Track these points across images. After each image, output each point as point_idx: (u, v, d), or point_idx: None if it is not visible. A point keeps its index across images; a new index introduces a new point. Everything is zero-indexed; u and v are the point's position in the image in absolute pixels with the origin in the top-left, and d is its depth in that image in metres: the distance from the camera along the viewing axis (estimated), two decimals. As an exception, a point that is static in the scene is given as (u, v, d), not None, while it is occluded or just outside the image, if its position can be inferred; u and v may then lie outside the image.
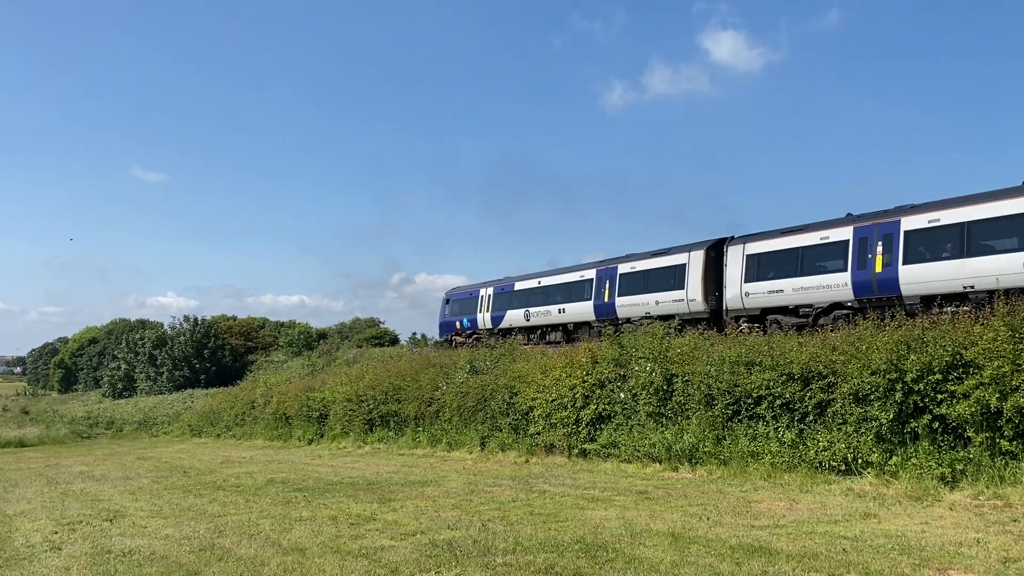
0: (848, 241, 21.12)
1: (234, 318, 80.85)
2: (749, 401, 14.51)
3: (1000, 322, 12.12)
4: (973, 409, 11.40)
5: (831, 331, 15.38)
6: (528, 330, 33.99)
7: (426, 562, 8.28)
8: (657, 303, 26.92)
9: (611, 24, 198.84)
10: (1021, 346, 11.55)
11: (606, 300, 29.42)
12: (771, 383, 14.07)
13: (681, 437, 15.25)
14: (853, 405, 12.85)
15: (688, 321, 24.32)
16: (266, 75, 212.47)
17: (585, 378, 18.02)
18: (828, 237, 21.72)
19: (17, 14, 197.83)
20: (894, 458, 12.17)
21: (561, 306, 31.88)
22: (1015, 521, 9.38)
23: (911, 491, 11.25)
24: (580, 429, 17.62)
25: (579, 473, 15.61)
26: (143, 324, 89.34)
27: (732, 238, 25.24)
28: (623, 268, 29.07)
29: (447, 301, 41.77)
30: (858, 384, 12.75)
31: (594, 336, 27.18)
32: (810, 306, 21.96)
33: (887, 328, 13.72)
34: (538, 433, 18.63)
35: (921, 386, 12.10)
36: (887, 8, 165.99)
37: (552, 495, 12.78)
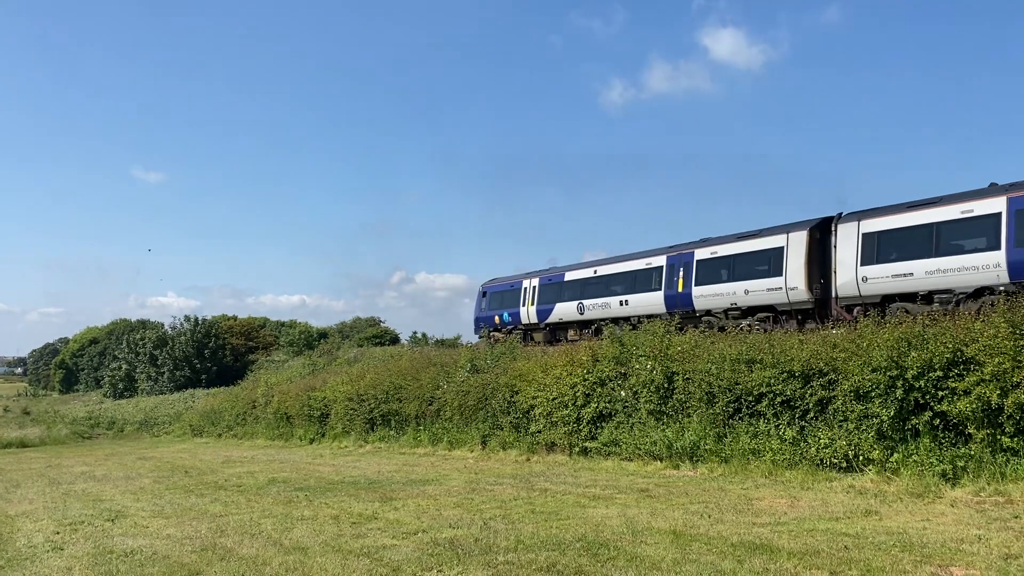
0: (1000, 214, 17.84)
1: (235, 318, 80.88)
2: (750, 399, 14.52)
3: (1001, 319, 12.12)
4: (974, 406, 11.39)
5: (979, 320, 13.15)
6: (582, 324, 30.96)
7: (428, 561, 8.28)
8: (747, 292, 23.88)
9: (610, 22, 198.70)
10: (1022, 343, 11.54)
11: (680, 290, 26.30)
12: (772, 380, 14.07)
13: (682, 435, 15.26)
14: (854, 402, 12.86)
15: (785, 313, 22.36)
16: (265, 74, 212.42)
17: (586, 376, 18.03)
18: (972, 211, 18.52)
19: (17, 14, 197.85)
20: (895, 455, 12.18)
21: (623, 298, 28.72)
22: (1016, 518, 9.38)
23: (912, 488, 11.26)
24: (581, 427, 17.63)
25: (580, 471, 15.62)
26: (144, 324, 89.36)
27: (841, 215, 21.96)
28: (701, 253, 25.83)
29: (483, 294, 38.55)
30: (859, 381, 12.75)
31: None
32: (949, 291, 18.92)
33: (887, 325, 13.72)
34: (539, 431, 18.64)
35: (922, 383, 12.10)
36: (887, 3, 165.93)
37: (553, 493, 12.79)
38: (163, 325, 76.73)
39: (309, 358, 45.73)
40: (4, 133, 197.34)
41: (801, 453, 13.33)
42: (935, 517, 9.64)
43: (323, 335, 67.37)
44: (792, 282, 22.60)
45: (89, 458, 27.58)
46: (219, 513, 12.21)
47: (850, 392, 12.91)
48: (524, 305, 34.72)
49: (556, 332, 32.72)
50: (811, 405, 13.57)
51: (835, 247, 21.73)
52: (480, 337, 37.31)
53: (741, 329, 21.12)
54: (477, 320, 38.70)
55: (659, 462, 15.35)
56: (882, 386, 12.43)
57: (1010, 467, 11.06)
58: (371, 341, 54.73)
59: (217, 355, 66.59)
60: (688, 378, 15.80)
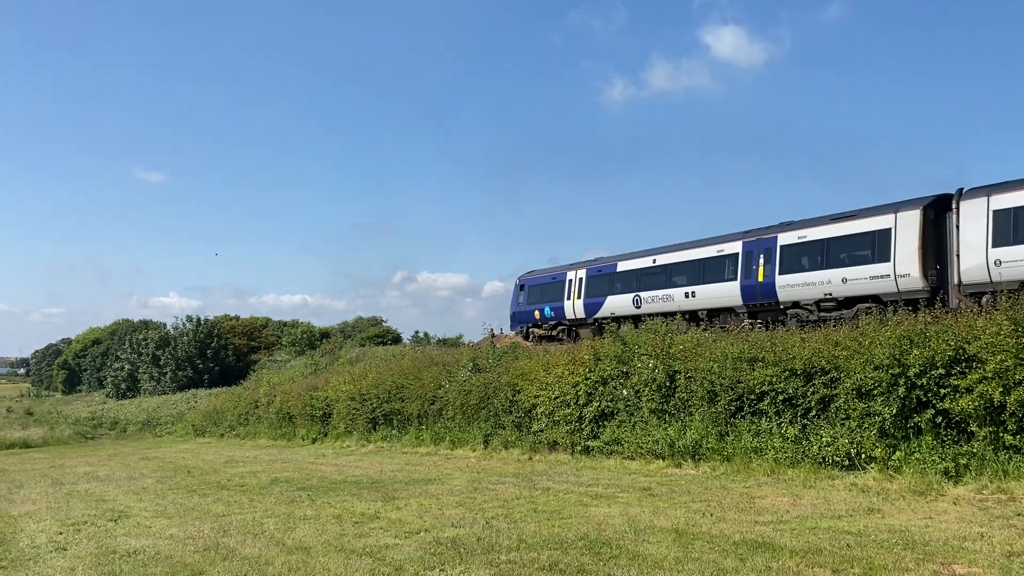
0: None
1: (237, 318, 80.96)
2: (752, 397, 14.51)
3: (1003, 316, 12.11)
4: (976, 403, 11.38)
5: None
6: (638, 319, 27.38)
7: (430, 560, 8.29)
8: (845, 281, 21.44)
9: (610, 19, 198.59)
10: None
11: (761, 279, 23.61)
12: (774, 379, 14.07)
13: (684, 434, 15.26)
14: (856, 400, 12.85)
15: (892, 302, 19.58)
16: (266, 74, 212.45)
17: (588, 375, 18.02)
18: None
19: (18, 15, 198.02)
20: (897, 453, 12.17)
21: (689, 289, 26.07)
22: (1019, 515, 9.38)
23: (915, 486, 11.25)
24: (583, 426, 17.64)
25: (582, 470, 15.63)
26: (146, 324, 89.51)
27: (963, 191, 19.59)
28: (786, 238, 23.30)
29: (521, 288, 35.63)
30: (861, 379, 12.74)
31: (738, 324, 22.35)
32: None
33: (889, 323, 13.71)
34: (541, 430, 18.65)
35: (924, 381, 12.09)
36: (889, 1, 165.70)
37: (556, 492, 12.80)
38: (165, 325, 76.87)
39: (311, 358, 45.74)
40: (6, 134, 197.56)
41: (803, 451, 13.33)
42: (938, 515, 9.64)
43: (325, 335, 67.38)
44: (903, 268, 20.16)
45: (92, 458, 27.61)
46: (222, 513, 12.23)
47: (852, 390, 12.90)
48: (569, 299, 31.93)
49: (606, 327, 29.87)
50: (813, 403, 13.56)
51: (957, 227, 19.28)
52: (517, 334, 34.83)
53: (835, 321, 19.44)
54: (514, 316, 35.96)
55: (661, 461, 15.35)
56: (884, 384, 12.42)
57: (1012, 465, 11.06)
58: (373, 341, 54.76)
59: (219, 355, 66.68)
60: (690, 377, 15.80)
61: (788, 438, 13.63)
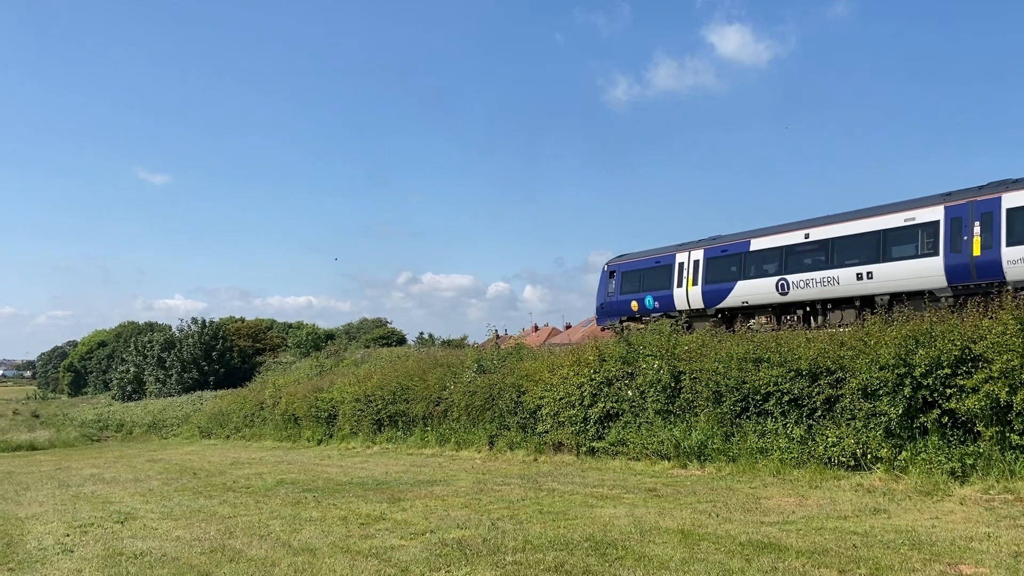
0: None
1: (242, 320, 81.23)
2: (757, 397, 14.49)
3: (1009, 315, 12.07)
4: (982, 403, 11.35)
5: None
6: (784, 308, 23.44)
7: (436, 561, 8.29)
8: None
9: (614, 18, 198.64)
10: (1030, 339, 11.48)
11: (976, 254, 18.66)
12: (779, 379, 14.04)
13: (689, 434, 15.24)
14: (862, 400, 12.82)
15: None
16: (271, 74, 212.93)
17: (593, 376, 18.01)
18: None
19: (20, 16, 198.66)
20: (903, 453, 12.14)
21: (863, 269, 21.04)
22: (1026, 515, 9.34)
23: (921, 486, 11.23)
24: (588, 427, 17.62)
25: (588, 471, 15.62)
26: (151, 327, 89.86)
27: None
28: (1014, 199, 18.26)
29: (611, 275, 30.75)
30: (867, 379, 12.72)
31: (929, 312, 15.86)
32: None
33: (895, 322, 13.68)
34: (546, 431, 18.64)
35: (930, 381, 12.06)
36: None
37: (561, 493, 12.79)
38: (171, 327, 77.12)
39: (316, 359, 45.77)
40: (9, 137, 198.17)
41: (809, 452, 13.30)
42: (944, 515, 9.61)
43: (330, 336, 67.55)
44: None
45: (98, 460, 27.68)
46: (228, 515, 12.25)
47: (858, 390, 12.87)
48: (680, 286, 27.08)
49: (733, 319, 25.08)
50: (819, 403, 13.53)
51: None
52: (606, 329, 29.83)
53: None
54: (603, 308, 31.01)
55: (667, 461, 15.34)
56: (890, 384, 12.40)
57: (1019, 465, 11.02)
58: (378, 342, 54.89)
59: (225, 357, 66.86)
60: (695, 377, 15.78)
61: (794, 438, 13.61)
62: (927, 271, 19.67)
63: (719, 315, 25.70)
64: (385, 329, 67.61)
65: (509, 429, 19.99)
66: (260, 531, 10.59)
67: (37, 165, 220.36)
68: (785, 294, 23.11)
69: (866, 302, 21.14)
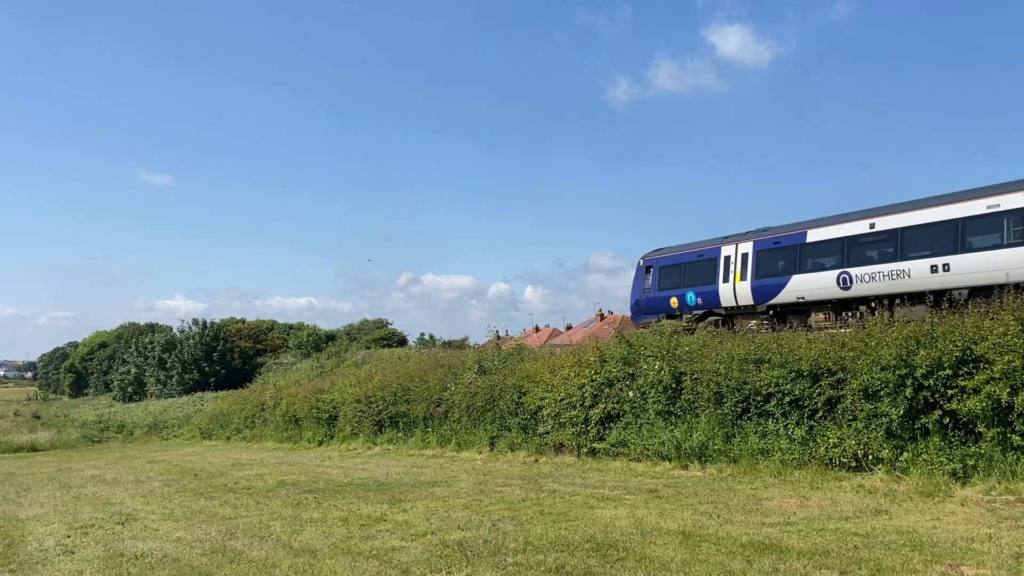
0: None
1: (243, 321, 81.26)
2: (758, 398, 14.48)
3: (1010, 316, 12.06)
4: (984, 404, 11.34)
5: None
6: (846, 303, 21.70)
7: (437, 562, 8.29)
8: None
9: (615, 19, 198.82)
10: (1032, 340, 11.46)
11: None
12: (780, 380, 14.03)
13: (691, 435, 15.23)
14: (863, 401, 12.81)
15: None
16: (270, 75, 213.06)
17: (594, 377, 18.00)
18: None
19: (21, 17, 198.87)
20: (905, 454, 12.13)
21: (939, 261, 19.24)
22: (1027, 516, 9.33)
23: (922, 487, 11.22)
24: (589, 428, 17.61)
25: (589, 472, 15.62)
26: (152, 328, 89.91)
27: None
28: None
29: (647, 270, 28.79)
30: (868, 380, 12.71)
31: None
32: None
33: (896, 324, 13.66)
34: (547, 432, 18.63)
35: (931, 381, 12.05)
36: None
37: (562, 494, 12.79)
38: (172, 328, 77.21)
39: (317, 360, 45.79)
40: (9, 137, 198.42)
41: (810, 453, 13.30)
42: (945, 516, 9.60)
43: (331, 337, 67.55)
44: None
45: (99, 461, 27.69)
46: (228, 516, 12.24)
47: (859, 391, 12.86)
48: (727, 280, 25.18)
49: (787, 315, 23.50)
50: (820, 404, 13.52)
51: None
52: (642, 327, 26.34)
53: None
54: (639, 305, 29.07)
55: (668, 463, 15.33)
56: (891, 385, 12.39)
57: (1020, 466, 11.00)
58: (379, 343, 54.88)
59: (225, 358, 66.89)
60: (696, 378, 15.77)
61: (795, 439, 13.60)
62: (1014, 262, 17.88)
63: (770, 311, 23.96)
64: (386, 330, 67.61)
65: (510, 430, 19.98)
66: (261, 532, 10.58)
67: (38, 166, 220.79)
68: (847, 289, 21.39)
69: (940, 296, 19.21)
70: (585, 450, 17.53)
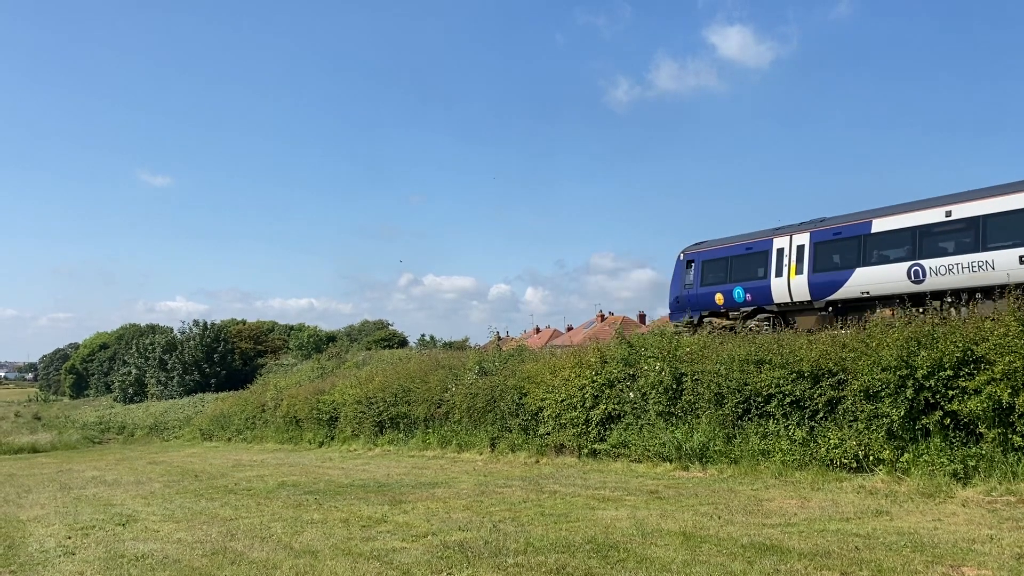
0: None
1: (243, 322, 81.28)
2: (759, 399, 14.48)
3: (1011, 317, 12.06)
4: (985, 405, 11.34)
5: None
6: (917, 298, 19.58)
7: (437, 563, 8.28)
8: None
9: (615, 19, 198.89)
10: (1032, 341, 11.46)
11: None
12: (781, 381, 14.03)
13: (691, 436, 15.23)
14: (864, 402, 12.81)
15: None
16: (271, 76, 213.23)
17: (594, 378, 18.00)
18: None
19: (21, 19, 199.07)
20: (906, 455, 12.13)
21: None
22: (1029, 517, 9.32)
23: (923, 488, 11.21)
24: (590, 429, 17.61)
25: (589, 473, 15.61)
26: (153, 329, 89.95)
27: None
28: None
29: (688, 264, 26.81)
30: (868, 381, 12.71)
31: None
32: None
33: (897, 325, 13.66)
34: (548, 433, 18.63)
35: (932, 382, 12.04)
36: None
37: (563, 495, 12.78)
38: (172, 330, 77.23)
39: (318, 361, 45.79)
40: (9, 139, 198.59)
41: (811, 454, 13.29)
42: (946, 517, 9.60)
43: (331, 338, 67.51)
44: None
45: (100, 463, 27.68)
46: (229, 517, 12.24)
47: (860, 392, 12.86)
48: (779, 275, 23.36)
49: (848, 311, 21.70)
50: (821, 405, 13.52)
51: None
52: (680, 326, 24.73)
53: None
54: (679, 301, 26.99)
55: (668, 463, 15.32)
56: (892, 386, 12.38)
57: (1021, 466, 11.00)
58: (379, 344, 54.87)
59: (226, 359, 66.87)
60: (697, 379, 15.77)
61: (796, 440, 13.59)
62: None
63: (829, 307, 22.19)
64: (386, 331, 67.60)
65: (511, 431, 19.98)
66: (262, 533, 10.58)
67: (38, 167, 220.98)
68: (920, 282, 19.66)
69: None
70: (586, 451, 17.53)
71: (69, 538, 11.04)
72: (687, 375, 16.04)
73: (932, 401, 12.13)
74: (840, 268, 21.88)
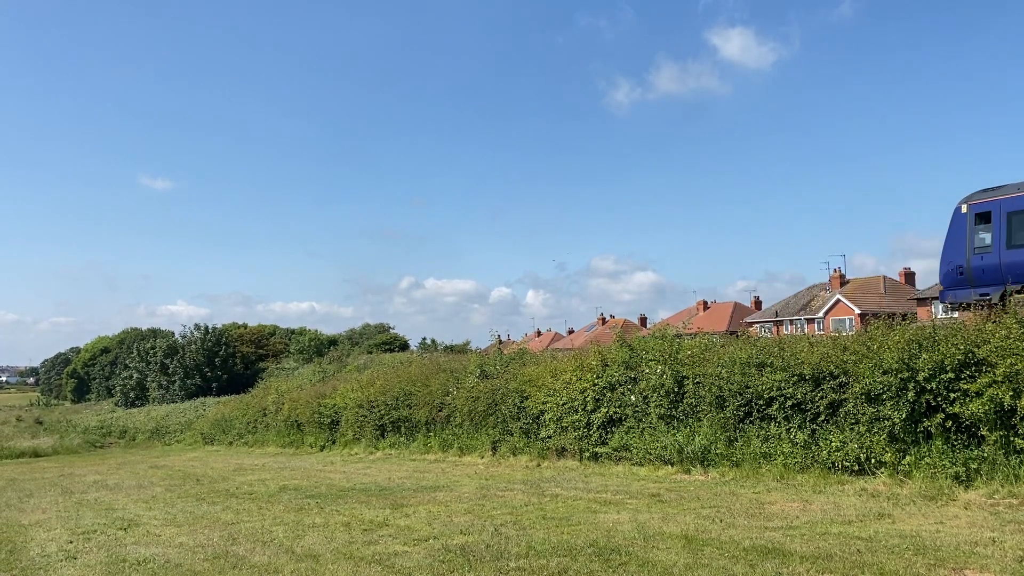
0: None
1: (244, 326, 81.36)
2: (760, 402, 14.47)
3: (1013, 319, 12.05)
4: (987, 407, 11.33)
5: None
6: None
7: (439, 567, 8.28)
8: None
9: (616, 21, 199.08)
10: (1034, 343, 11.45)
11: None
12: (782, 384, 14.02)
13: (693, 439, 15.22)
14: (865, 405, 12.80)
15: None
16: (271, 80, 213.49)
17: (596, 381, 18.00)
18: None
19: (22, 21, 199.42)
20: (907, 457, 12.12)
21: None
22: (1031, 520, 9.31)
23: (925, 491, 11.20)
24: (591, 432, 17.60)
25: (591, 476, 15.60)
26: (154, 333, 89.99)
27: None
28: None
29: (978, 218, 19.10)
30: (870, 384, 12.70)
31: None
32: None
33: (898, 327, 13.67)
34: (549, 437, 18.62)
35: (934, 385, 12.03)
36: None
37: (564, 499, 12.78)
38: (173, 334, 77.35)
39: (319, 365, 45.85)
40: (11, 141, 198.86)
41: (812, 456, 13.28)
42: (948, 520, 9.58)
43: (333, 342, 67.59)
44: None
45: (101, 467, 27.69)
46: (231, 521, 12.24)
47: (861, 394, 12.85)
48: None
49: None
50: (822, 408, 13.51)
51: None
52: (957, 307, 19.29)
53: None
54: (961, 271, 19.41)
55: (670, 467, 15.32)
56: (893, 388, 12.37)
57: (1024, 469, 10.99)
58: (380, 348, 54.94)
59: (227, 363, 66.90)
60: (698, 382, 15.76)
61: (797, 443, 13.58)
62: None
63: None
64: (388, 335, 67.63)
65: (512, 434, 19.97)
66: (263, 537, 10.58)
67: (39, 170, 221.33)
68: None
69: None
70: (587, 454, 17.52)
71: (71, 542, 11.05)
72: (688, 378, 16.04)
73: (934, 404, 12.12)
74: None
